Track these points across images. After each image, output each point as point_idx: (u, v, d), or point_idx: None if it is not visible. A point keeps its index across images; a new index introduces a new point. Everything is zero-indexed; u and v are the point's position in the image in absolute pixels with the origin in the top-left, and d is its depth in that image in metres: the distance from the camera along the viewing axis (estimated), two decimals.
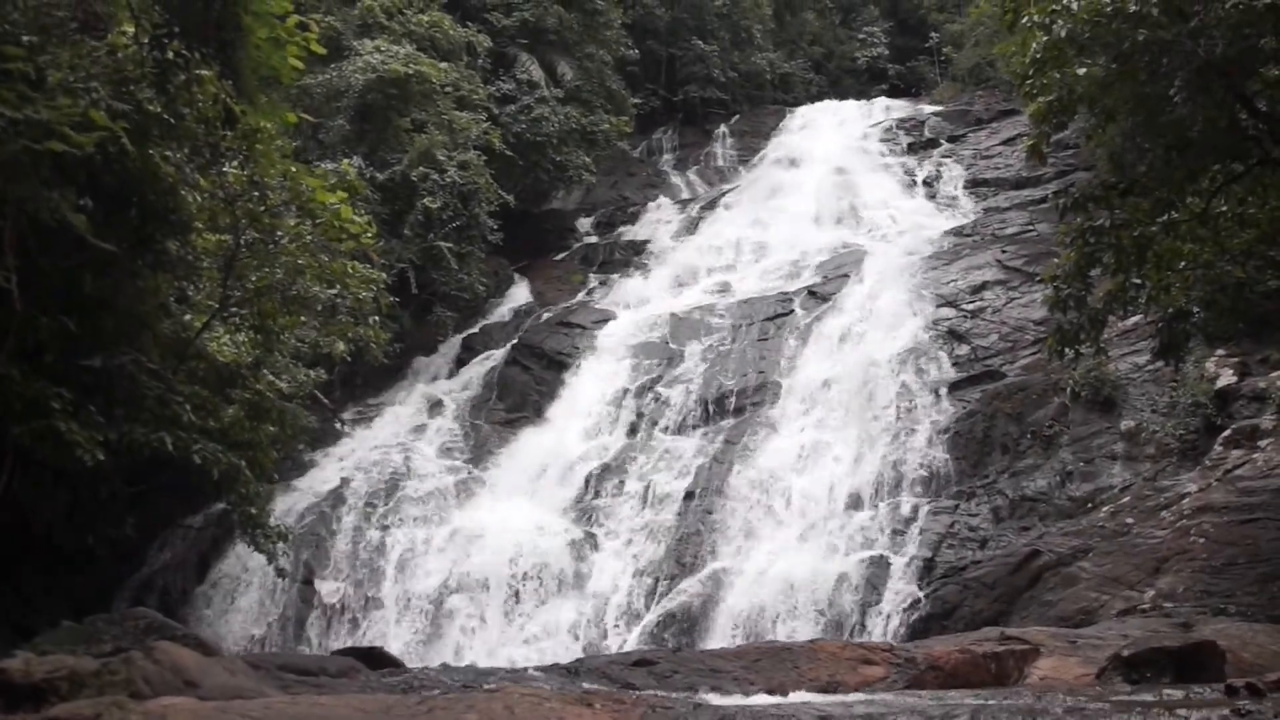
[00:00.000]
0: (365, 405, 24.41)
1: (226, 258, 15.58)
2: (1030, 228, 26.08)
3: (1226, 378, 16.75)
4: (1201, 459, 16.02)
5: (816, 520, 17.68)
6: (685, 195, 37.17)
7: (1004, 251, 24.05)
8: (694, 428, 20.97)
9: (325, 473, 20.95)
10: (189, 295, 16.20)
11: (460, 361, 26.46)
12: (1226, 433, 16.00)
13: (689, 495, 18.93)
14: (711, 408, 21.26)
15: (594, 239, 34.47)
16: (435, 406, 24.01)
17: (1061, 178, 27.50)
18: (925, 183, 32.20)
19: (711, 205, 34.04)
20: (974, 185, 31.11)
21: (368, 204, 23.51)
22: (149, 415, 14.71)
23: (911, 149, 35.26)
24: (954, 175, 32.10)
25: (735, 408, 21.10)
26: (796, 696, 9.31)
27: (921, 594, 15.73)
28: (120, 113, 12.76)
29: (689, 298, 27.01)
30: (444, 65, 28.63)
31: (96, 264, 13.68)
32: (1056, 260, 14.50)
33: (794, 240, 29.12)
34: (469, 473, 21.05)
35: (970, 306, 21.87)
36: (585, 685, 9.88)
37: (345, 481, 20.29)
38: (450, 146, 27.39)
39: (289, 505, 19.26)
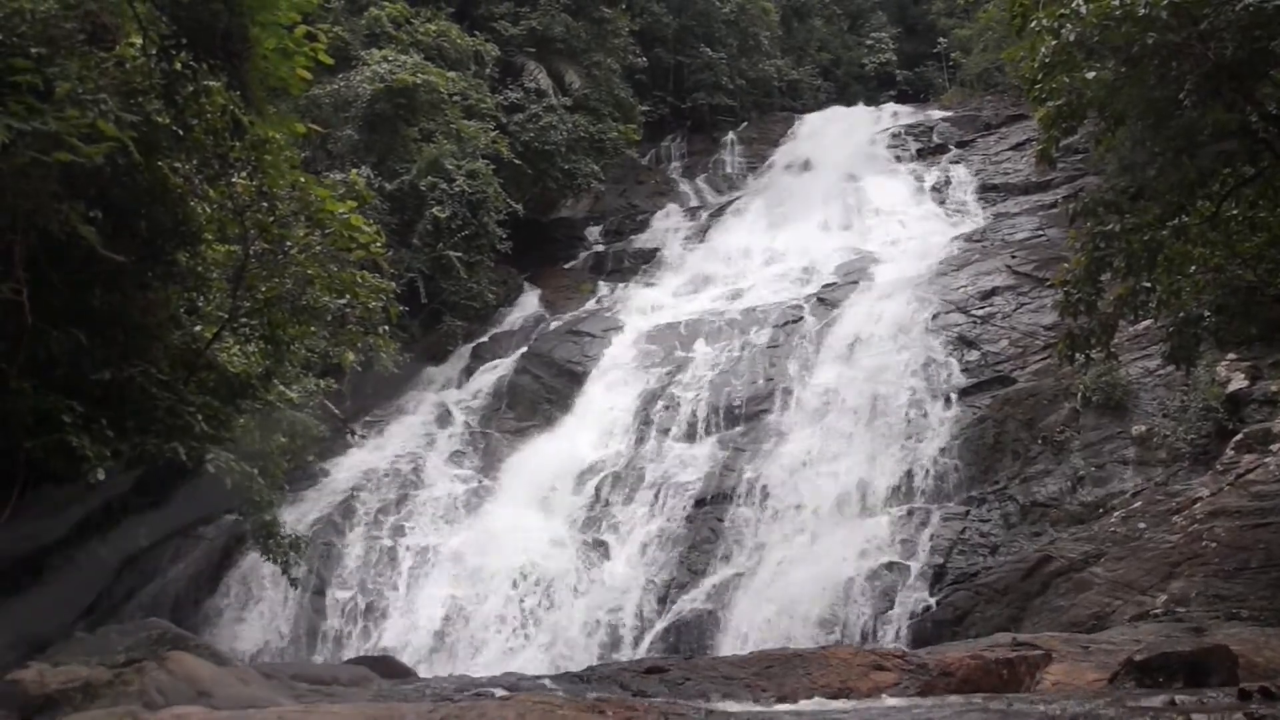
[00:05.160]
0: (375, 415, 24.42)
1: (236, 269, 15.60)
2: (1040, 233, 26.04)
3: (1238, 382, 16.70)
4: (1213, 463, 15.97)
5: (827, 527, 17.65)
6: (694, 203, 37.12)
7: (1014, 257, 24.02)
8: (704, 435, 20.93)
9: (336, 482, 20.96)
10: (199, 306, 16.21)
11: (470, 370, 26.47)
12: (1238, 437, 15.95)
13: (700, 502, 18.92)
14: (721, 415, 21.22)
15: (602, 247, 34.49)
16: (445, 415, 24.03)
17: (1071, 182, 27.43)
18: (934, 189, 32.11)
19: (720, 213, 34.07)
20: (983, 191, 31.04)
21: (376, 213, 23.58)
22: (160, 426, 14.72)
23: (920, 155, 35.34)
24: (963, 181, 32.01)
25: (745, 415, 21.06)
26: (808, 703, 9.30)
27: (933, 600, 15.70)
28: (129, 124, 12.78)
29: (698, 305, 27.01)
30: (452, 75, 28.69)
31: (106, 276, 13.70)
32: (1066, 265, 14.46)
33: (803, 247, 29.13)
34: (479, 481, 21.07)
35: (980, 312, 21.83)
36: (597, 693, 9.88)
37: (356, 491, 20.32)
38: (459, 156, 27.43)
39: (300, 515, 19.27)
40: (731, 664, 11.36)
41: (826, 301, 24.41)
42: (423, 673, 13.45)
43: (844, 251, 28.08)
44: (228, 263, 15.79)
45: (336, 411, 20.76)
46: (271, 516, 15.86)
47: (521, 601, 17.57)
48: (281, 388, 17.12)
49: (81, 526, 15.92)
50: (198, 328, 16.16)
